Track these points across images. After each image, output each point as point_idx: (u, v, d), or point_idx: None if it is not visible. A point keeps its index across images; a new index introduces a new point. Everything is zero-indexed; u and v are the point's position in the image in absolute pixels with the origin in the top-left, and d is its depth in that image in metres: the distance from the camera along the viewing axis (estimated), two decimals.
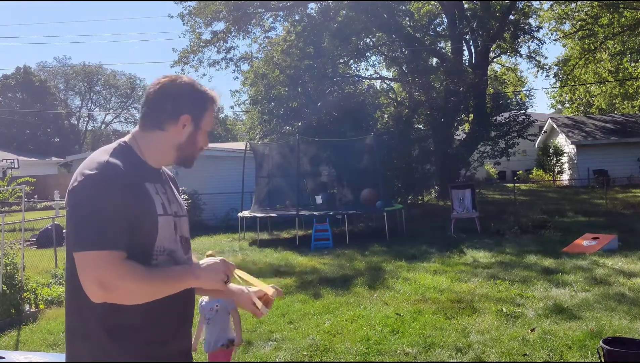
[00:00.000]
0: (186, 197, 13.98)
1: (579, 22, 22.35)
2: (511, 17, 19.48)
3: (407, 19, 20.07)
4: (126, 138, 1.58)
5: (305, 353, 4.26)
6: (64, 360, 1.47)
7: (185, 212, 1.67)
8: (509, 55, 23.20)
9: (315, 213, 11.49)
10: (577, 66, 24.96)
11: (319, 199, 13.02)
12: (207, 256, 2.08)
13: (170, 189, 1.63)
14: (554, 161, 23.50)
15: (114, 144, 1.54)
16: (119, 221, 1.37)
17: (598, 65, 26.13)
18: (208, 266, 1.48)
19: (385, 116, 18.59)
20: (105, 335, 1.40)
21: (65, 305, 1.52)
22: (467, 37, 19.75)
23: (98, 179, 1.39)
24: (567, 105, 34.19)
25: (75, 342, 1.45)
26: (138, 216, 1.43)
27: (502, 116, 17.78)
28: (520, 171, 27.42)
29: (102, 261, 1.33)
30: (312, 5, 19.57)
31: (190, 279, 1.46)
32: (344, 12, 17.67)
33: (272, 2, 19.02)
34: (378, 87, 21.74)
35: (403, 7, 19.51)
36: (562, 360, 3.86)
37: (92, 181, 1.39)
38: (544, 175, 24.24)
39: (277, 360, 4.15)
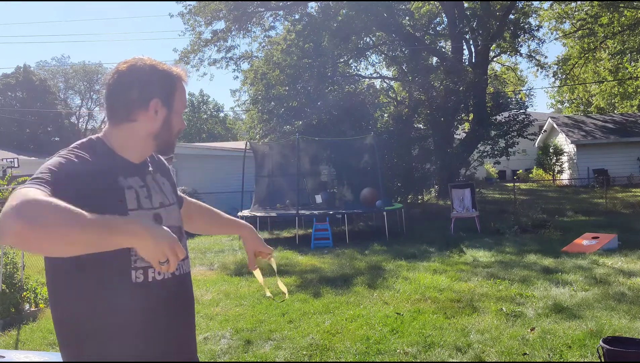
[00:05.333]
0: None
1: (579, 22, 22.36)
2: (511, 16, 19.50)
3: (407, 18, 20.09)
4: (99, 134, 1.49)
5: (305, 353, 4.26)
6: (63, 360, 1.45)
7: (173, 199, 1.57)
8: (509, 54, 23.22)
9: (315, 212, 11.49)
10: (576, 65, 24.97)
11: (318, 199, 13.01)
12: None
13: (153, 179, 1.52)
14: (553, 161, 23.52)
15: (84, 139, 1.46)
16: (65, 184, 1.24)
17: (598, 64, 26.15)
18: (155, 231, 1.19)
19: (385, 115, 18.60)
20: (96, 333, 1.35)
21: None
22: (467, 37, 19.76)
23: (56, 164, 1.31)
24: (567, 104, 34.22)
25: (68, 343, 1.40)
26: (102, 211, 1.29)
27: (502, 115, 17.78)
28: (520, 171, 27.43)
29: (24, 192, 1.13)
30: (312, 4, 19.61)
31: (122, 237, 1.16)
32: (344, 11, 17.68)
33: (272, 2, 19.03)
34: (378, 87, 21.78)
35: (403, 7, 19.52)
36: (562, 360, 3.86)
37: (49, 165, 1.31)
38: (543, 174, 24.26)
39: (276, 360, 4.15)
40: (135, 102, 1.41)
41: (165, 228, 1.22)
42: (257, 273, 1.93)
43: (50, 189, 1.20)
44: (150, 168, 1.55)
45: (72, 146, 1.42)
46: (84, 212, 1.12)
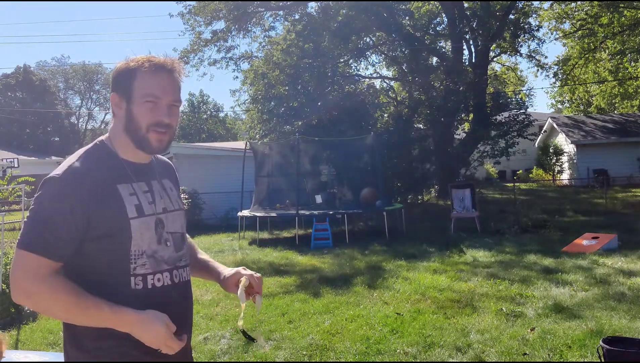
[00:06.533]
0: (186, 196, 13.99)
1: (579, 22, 22.35)
2: (511, 16, 19.49)
3: (407, 18, 20.07)
4: (104, 136, 1.53)
5: (305, 353, 4.26)
6: (63, 360, 1.46)
7: (178, 205, 1.59)
8: (509, 54, 23.21)
9: (315, 212, 11.48)
10: (576, 65, 24.96)
11: (318, 199, 13.00)
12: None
13: (159, 183, 1.55)
14: (553, 161, 23.53)
15: (90, 145, 1.50)
16: (64, 230, 1.33)
17: (598, 64, 26.13)
18: (146, 326, 1.35)
19: (385, 115, 18.61)
20: (99, 337, 1.37)
21: None
22: (467, 37, 19.75)
23: (55, 184, 1.36)
24: (567, 104, 34.22)
25: (69, 346, 1.42)
26: (103, 222, 1.37)
27: (502, 115, 17.80)
28: (520, 171, 27.45)
29: (27, 264, 1.30)
30: (312, 4, 19.63)
31: (116, 325, 1.35)
32: (343, 11, 17.66)
33: (272, 2, 19.03)
34: (378, 87, 21.79)
35: (403, 7, 19.51)
36: (562, 360, 3.85)
37: (49, 185, 1.36)
38: (543, 174, 24.27)
39: (276, 360, 4.15)
40: (110, 100, 1.51)
41: (152, 313, 1.36)
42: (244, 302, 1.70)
43: (52, 251, 1.33)
44: (158, 172, 1.57)
45: (75, 154, 1.46)
46: (79, 301, 1.31)
